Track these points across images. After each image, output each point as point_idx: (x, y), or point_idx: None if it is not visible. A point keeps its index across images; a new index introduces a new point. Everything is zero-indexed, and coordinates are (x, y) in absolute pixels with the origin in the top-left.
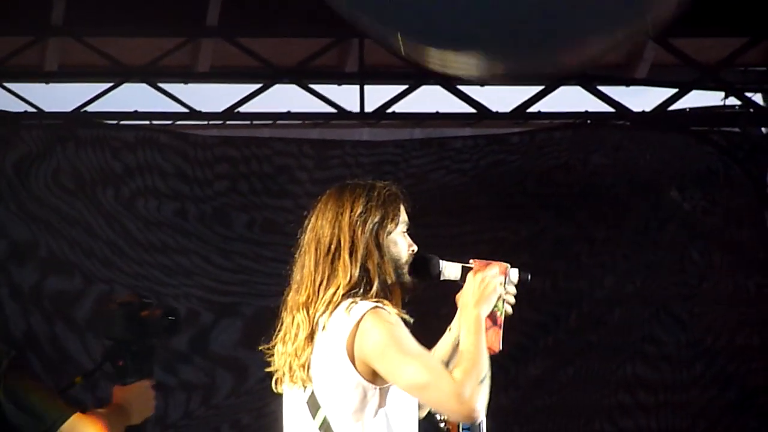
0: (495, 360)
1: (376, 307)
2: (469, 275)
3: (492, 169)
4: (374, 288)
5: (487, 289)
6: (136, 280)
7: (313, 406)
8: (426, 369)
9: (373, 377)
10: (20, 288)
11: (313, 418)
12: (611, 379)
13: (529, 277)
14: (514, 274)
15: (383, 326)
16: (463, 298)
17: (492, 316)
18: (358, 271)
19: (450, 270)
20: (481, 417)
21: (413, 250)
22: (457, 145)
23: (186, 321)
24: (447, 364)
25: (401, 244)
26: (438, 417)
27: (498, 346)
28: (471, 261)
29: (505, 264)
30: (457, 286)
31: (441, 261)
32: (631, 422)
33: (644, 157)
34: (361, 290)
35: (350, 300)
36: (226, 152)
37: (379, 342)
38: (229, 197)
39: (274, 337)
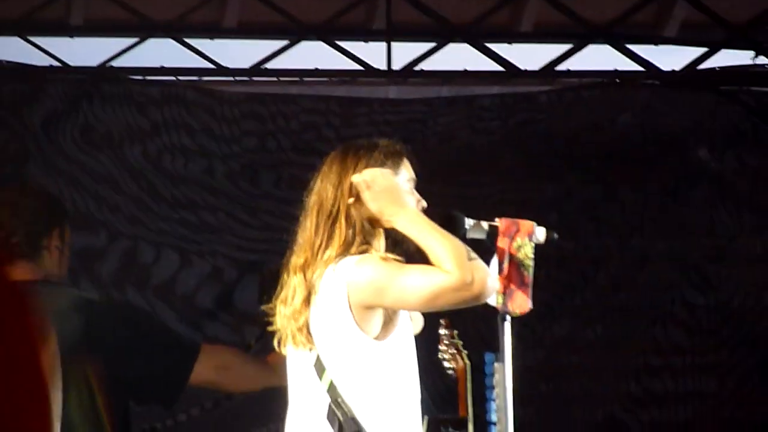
0: (521, 319)
1: (362, 254)
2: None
3: (519, 128)
4: (371, 246)
5: (386, 191)
6: (161, 236)
7: (320, 368)
8: (427, 279)
9: (374, 329)
10: None
11: (320, 380)
12: (638, 340)
13: (556, 236)
14: (540, 233)
15: (373, 264)
16: (383, 215)
17: (520, 276)
18: (353, 230)
19: (476, 229)
20: (492, 286)
21: (423, 207)
22: (484, 103)
23: (211, 278)
24: None
25: (411, 201)
26: (445, 364)
27: (528, 305)
28: (497, 220)
29: (531, 223)
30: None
31: (467, 219)
32: (659, 383)
33: (673, 116)
34: (354, 249)
35: (339, 258)
36: (253, 109)
37: (374, 277)
38: (257, 154)
39: (274, 299)
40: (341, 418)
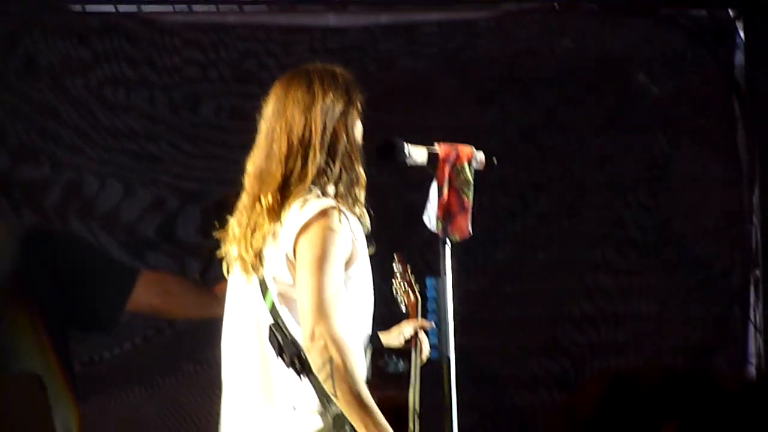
0: (463, 245)
1: (332, 208)
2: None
3: (459, 54)
4: (341, 178)
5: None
6: (104, 166)
7: (264, 290)
8: (322, 304)
9: None
10: None
11: (264, 301)
12: (580, 265)
13: (495, 161)
14: (480, 157)
15: (324, 237)
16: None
17: (460, 201)
18: (326, 159)
19: (416, 154)
20: (313, 362)
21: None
22: (424, 30)
23: (154, 207)
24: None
25: (360, 131)
26: (397, 298)
27: (468, 230)
28: (436, 145)
29: (470, 147)
30: (425, 172)
31: (407, 145)
32: (599, 306)
33: (612, 41)
34: (328, 180)
35: (310, 193)
36: (193, 38)
37: (310, 252)
38: (198, 84)
39: (229, 221)
40: (281, 341)
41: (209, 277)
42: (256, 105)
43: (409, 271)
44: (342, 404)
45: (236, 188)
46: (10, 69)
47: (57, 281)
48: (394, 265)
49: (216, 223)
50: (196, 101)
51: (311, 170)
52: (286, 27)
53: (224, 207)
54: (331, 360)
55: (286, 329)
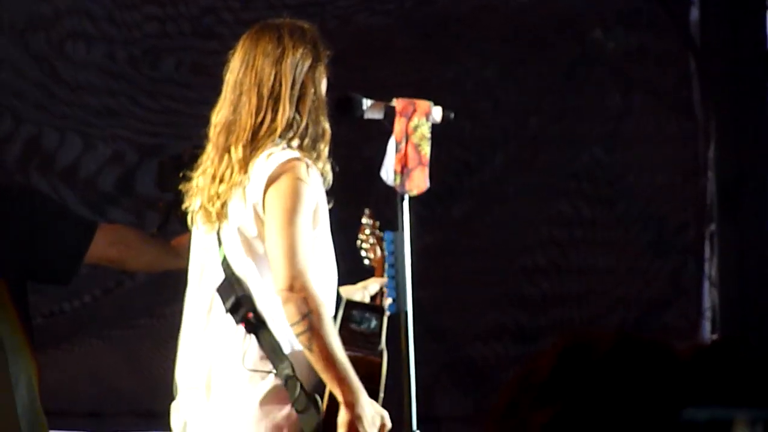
0: (420, 200)
1: (298, 159)
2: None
3: (416, 10)
4: (308, 131)
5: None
6: (64, 121)
7: (219, 242)
8: (297, 256)
9: None
10: None
11: (218, 254)
12: (536, 219)
13: (452, 115)
14: (437, 112)
15: (294, 187)
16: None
17: (417, 155)
18: (294, 112)
19: (373, 109)
20: (290, 317)
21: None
22: None
23: (112, 162)
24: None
25: (325, 87)
26: (363, 253)
27: (425, 183)
28: (394, 100)
29: (428, 102)
30: (381, 123)
31: (365, 99)
32: (553, 259)
33: None
34: (295, 133)
35: (276, 146)
36: None
37: (281, 203)
38: (158, 39)
39: (194, 172)
40: (233, 296)
41: (167, 232)
42: (216, 61)
43: (377, 226)
44: (316, 359)
45: (194, 143)
46: None
47: (15, 233)
48: (363, 219)
49: (172, 177)
50: (156, 56)
51: (281, 123)
52: None
53: (181, 161)
54: (309, 313)
55: (241, 283)
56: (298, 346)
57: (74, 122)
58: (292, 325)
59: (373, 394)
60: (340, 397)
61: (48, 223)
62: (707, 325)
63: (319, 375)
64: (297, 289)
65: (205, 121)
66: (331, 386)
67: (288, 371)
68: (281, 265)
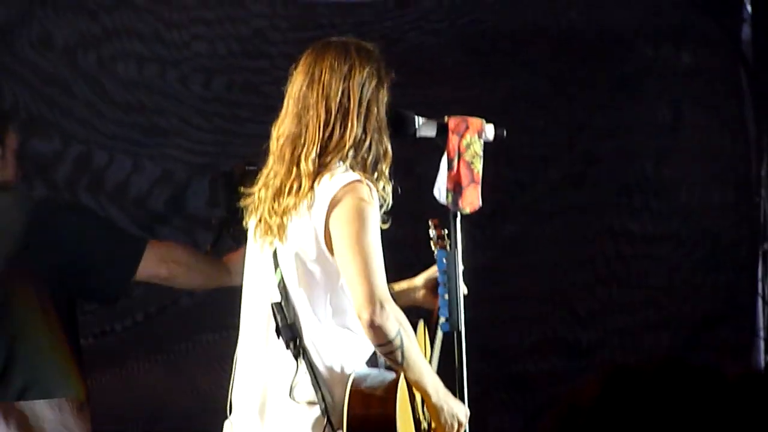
0: (471, 219)
1: (359, 181)
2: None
3: (467, 28)
4: (371, 150)
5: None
6: (113, 140)
7: (276, 263)
8: (377, 278)
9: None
10: None
11: (275, 275)
12: (588, 235)
13: (505, 132)
14: (489, 130)
15: (360, 209)
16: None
17: (470, 173)
18: (361, 131)
19: (426, 126)
20: (381, 338)
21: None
22: (431, 5)
23: (162, 181)
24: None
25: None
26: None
27: (478, 201)
28: (446, 118)
29: (480, 120)
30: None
31: (417, 117)
32: (610, 278)
33: (618, 12)
34: (359, 151)
35: (338, 168)
36: (201, 14)
37: (350, 226)
38: (207, 59)
39: (251, 187)
40: (279, 321)
41: (220, 249)
42: (264, 80)
43: (445, 236)
44: (412, 373)
45: (245, 160)
46: (24, 43)
47: (64, 251)
48: (429, 231)
49: (225, 193)
50: (206, 76)
51: (349, 139)
52: (293, 2)
53: (233, 177)
54: (400, 331)
55: (290, 308)
56: (331, 376)
57: (123, 141)
58: (384, 344)
59: None
60: (430, 401)
61: (97, 240)
62: (761, 345)
63: (343, 406)
64: (382, 308)
65: (254, 140)
66: (431, 394)
67: (330, 400)
68: (360, 289)
